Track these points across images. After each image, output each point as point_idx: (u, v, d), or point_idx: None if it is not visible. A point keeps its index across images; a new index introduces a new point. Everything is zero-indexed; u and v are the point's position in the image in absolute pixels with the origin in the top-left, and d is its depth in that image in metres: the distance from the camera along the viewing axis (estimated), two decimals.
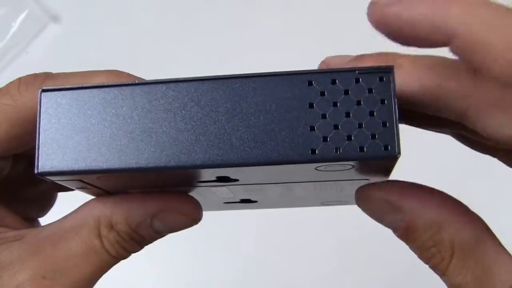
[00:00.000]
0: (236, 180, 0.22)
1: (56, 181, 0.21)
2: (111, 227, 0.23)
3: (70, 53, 0.61)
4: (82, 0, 0.64)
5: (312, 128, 0.19)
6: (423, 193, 0.22)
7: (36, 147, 0.20)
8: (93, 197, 0.24)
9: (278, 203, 0.31)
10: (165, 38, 0.61)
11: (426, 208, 0.21)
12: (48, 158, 0.20)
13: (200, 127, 0.19)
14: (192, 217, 0.24)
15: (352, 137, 0.19)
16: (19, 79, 0.24)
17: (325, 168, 0.20)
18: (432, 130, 0.25)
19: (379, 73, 0.19)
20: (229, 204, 0.29)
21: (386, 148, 0.18)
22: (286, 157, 0.19)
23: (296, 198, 0.28)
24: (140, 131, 0.20)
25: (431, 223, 0.21)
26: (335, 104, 0.19)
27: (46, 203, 0.29)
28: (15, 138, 0.23)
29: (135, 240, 0.24)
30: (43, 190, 0.29)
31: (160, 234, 0.24)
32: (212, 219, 0.32)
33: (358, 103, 0.19)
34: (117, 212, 0.23)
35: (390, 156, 0.18)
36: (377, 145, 0.18)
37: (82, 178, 0.21)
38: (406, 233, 0.22)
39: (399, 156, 0.19)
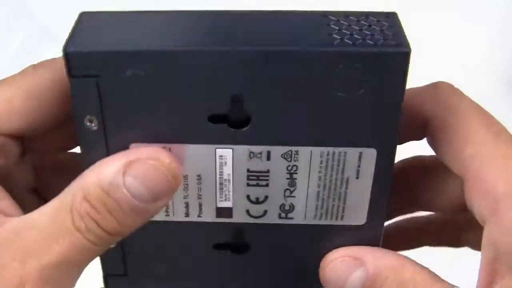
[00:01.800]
0: (248, 119, 0.22)
1: (77, 76, 0.21)
2: (83, 198, 0.21)
3: None
4: None
5: (330, 34, 0.21)
6: (378, 248, 0.25)
7: (72, 30, 0.22)
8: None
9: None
10: None
11: (384, 256, 0.24)
12: (80, 41, 0.21)
13: (232, 26, 0.22)
14: (163, 162, 0.21)
15: (366, 39, 0.21)
16: (33, 64, 0.25)
17: (343, 73, 0.21)
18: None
19: (386, 13, 0.22)
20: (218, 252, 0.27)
21: (397, 45, 0.21)
22: (310, 48, 0.21)
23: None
24: (167, 28, 0.23)
25: (392, 267, 0.24)
26: (349, 25, 0.22)
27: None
28: (29, 112, 0.24)
29: (108, 208, 0.21)
30: (37, 202, 0.27)
31: (140, 202, 0.21)
32: None
33: (369, 26, 0.22)
34: (90, 175, 0.21)
35: (402, 52, 0.21)
36: (389, 44, 0.21)
37: (107, 67, 0.21)
38: (371, 282, 0.24)
39: (410, 52, 0.21)
